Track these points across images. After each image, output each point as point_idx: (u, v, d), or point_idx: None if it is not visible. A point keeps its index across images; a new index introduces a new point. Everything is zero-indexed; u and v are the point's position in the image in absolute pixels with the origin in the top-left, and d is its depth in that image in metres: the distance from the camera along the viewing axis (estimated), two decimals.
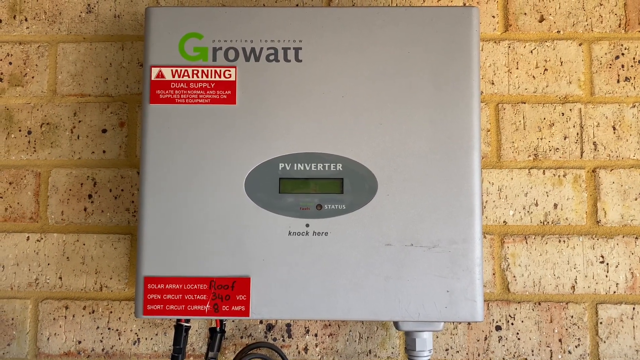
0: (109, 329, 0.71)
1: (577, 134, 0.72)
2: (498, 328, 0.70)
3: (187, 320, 0.64)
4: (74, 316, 0.71)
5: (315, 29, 0.60)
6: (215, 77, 0.60)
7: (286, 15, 0.60)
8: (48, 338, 0.71)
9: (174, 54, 0.60)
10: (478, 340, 0.70)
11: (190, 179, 0.59)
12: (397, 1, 0.74)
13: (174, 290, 0.57)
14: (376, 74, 0.60)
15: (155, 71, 0.60)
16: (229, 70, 0.60)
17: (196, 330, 0.71)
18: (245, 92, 0.60)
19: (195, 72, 0.60)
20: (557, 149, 0.72)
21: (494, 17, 0.74)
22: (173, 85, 0.60)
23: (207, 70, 0.60)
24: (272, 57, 0.60)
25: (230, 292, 0.57)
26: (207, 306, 0.57)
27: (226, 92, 0.59)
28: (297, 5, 0.74)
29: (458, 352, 0.70)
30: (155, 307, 0.57)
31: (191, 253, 0.58)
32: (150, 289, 0.57)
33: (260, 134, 0.59)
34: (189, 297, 0.57)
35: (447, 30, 0.60)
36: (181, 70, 0.60)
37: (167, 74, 0.60)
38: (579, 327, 0.70)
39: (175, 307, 0.57)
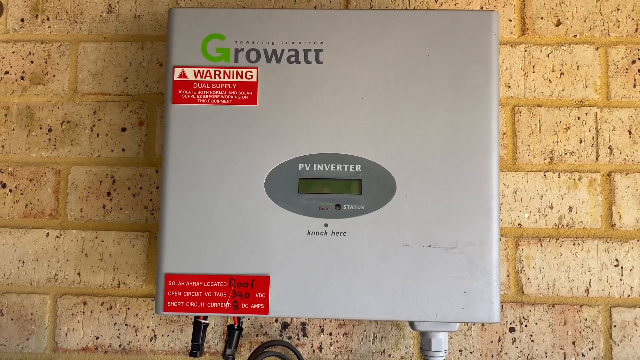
0: (126, 325, 0.72)
1: (593, 137, 0.73)
2: (512, 330, 0.71)
3: (205, 317, 0.64)
4: (92, 312, 0.72)
5: (336, 31, 0.61)
6: (237, 78, 0.60)
7: (307, 17, 0.61)
8: (66, 333, 0.72)
9: (196, 54, 0.61)
10: (492, 342, 0.71)
11: (211, 178, 0.59)
12: (415, 4, 0.75)
13: (194, 288, 0.58)
14: (396, 76, 0.60)
15: (178, 71, 0.61)
16: (251, 72, 0.60)
17: (212, 328, 0.71)
18: (266, 93, 0.60)
19: (218, 72, 0.61)
20: (573, 152, 0.72)
21: (510, 20, 0.75)
22: (195, 85, 0.60)
23: (229, 71, 0.61)
24: (293, 59, 0.61)
25: (249, 290, 0.58)
26: (227, 304, 0.58)
27: (247, 92, 0.60)
28: (315, 7, 0.75)
29: (472, 353, 0.71)
30: (175, 304, 0.58)
31: (211, 251, 0.59)
32: (171, 286, 0.58)
33: (280, 134, 0.60)
34: (209, 294, 0.58)
35: (466, 33, 0.60)
36: (203, 70, 0.61)
37: (190, 74, 0.61)
38: (592, 330, 0.70)
39: (196, 304, 0.58)
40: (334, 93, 0.60)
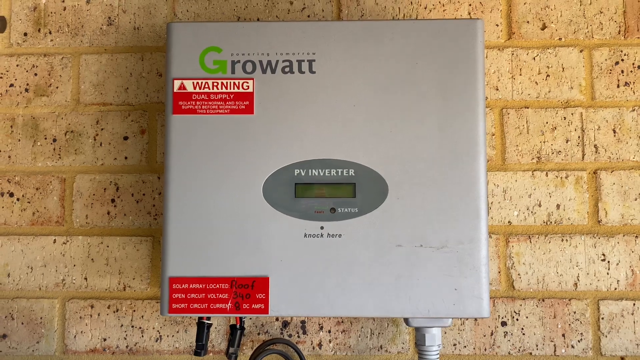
0: (132, 326, 0.75)
1: (579, 137, 0.75)
2: (503, 324, 0.73)
3: (209, 318, 0.67)
4: (99, 315, 0.75)
5: (328, 41, 0.63)
6: (234, 89, 0.63)
7: (300, 28, 0.64)
8: (75, 336, 0.75)
9: (194, 67, 0.63)
10: (484, 336, 0.73)
11: (211, 185, 0.62)
12: (404, 12, 0.77)
13: (198, 290, 0.61)
14: (386, 83, 0.63)
15: (177, 83, 0.63)
16: (247, 82, 0.63)
17: (215, 328, 0.74)
18: (262, 103, 0.63)
19: (215, 84, 0.63)
20: (560, 151, 0.75)
21: (497, 25, 0.77)
22: (194, 96, 0.63)
23: (227, 82, 0.63)
24: (287, 69, 0.63)
25: (250, 291, 0.61)
26: (229, 304, 0.61)
27: (244, 102, 0.63)
28: (308, 16, 0.78)
29: (465, 347, 0.73)
30: (179, 305, 0.61)
31: (213, 254, 0.61)
32: (175, 289, 0.61)
33: (276, 142, 0.63)
34: (212, 296, 0.61)
35: (453, 41, 0.63)
36: (202, 82, 0.63)
37: (189, 86, 0.63)
38: (581, 322, 0.73)
39: (199, 306, 0.61)
40: (327, 101, 0.63)
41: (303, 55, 0.63)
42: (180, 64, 0.63)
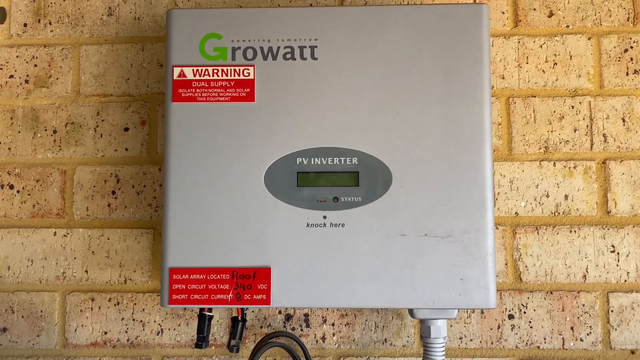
0: (133, 320, 0.74)
1: (587, 126, 0.74)
2: (511, 317, 0.72)
3: (210, 310, 0.66)
4: (99, 308, 0.74)
5: (330, 27, 0.62)
6: (234, 76, 0.62)
7: (302, 14, 0.63)
8: (75, 329, 0.74)
9: (194, 54, 0.62)
10: (491, 329, 0.72)
11: (212, 174, 0.61)
12: None
13: (198, 281, 0.60)
14: (389, 70, 0.62)
15: (177, 71, 0.62)
16: (248, 69, 0.62)
17: (217, 321, 0.73)
18: (263, 90, 0.62)
19: (216, 71, 0.62)
20: (567, 141, 0.74)
21: (503, 13, 0.76)
22: (194, 84, 0.62)
23: (227, 69, 0.62)
24: (288, 56, 0.62)
25: (251, 281, 0.59)
26: (230, 295, 0.60)
27: (245, 90, 0.62)
28: (310, 4, 0.76)
29: (472, 340, 0.72)
30: (180, 297, 0.60)
31: (214, 245, 0.60)
32: (176, 280, 0.60)
33: (278, 130, 0.61)
34: (213, 287, 0.60)
35: (458, 27, 0.62)
36: (202, 69, 0.62)
37: (189, 73, 0.62)
38: (590, 315, 0.72)
39: (200, 297, 0.60)
40: (329, 88, 0.62)
41: (305, 41, 0.62)
42: (180, 51, 0.62)
